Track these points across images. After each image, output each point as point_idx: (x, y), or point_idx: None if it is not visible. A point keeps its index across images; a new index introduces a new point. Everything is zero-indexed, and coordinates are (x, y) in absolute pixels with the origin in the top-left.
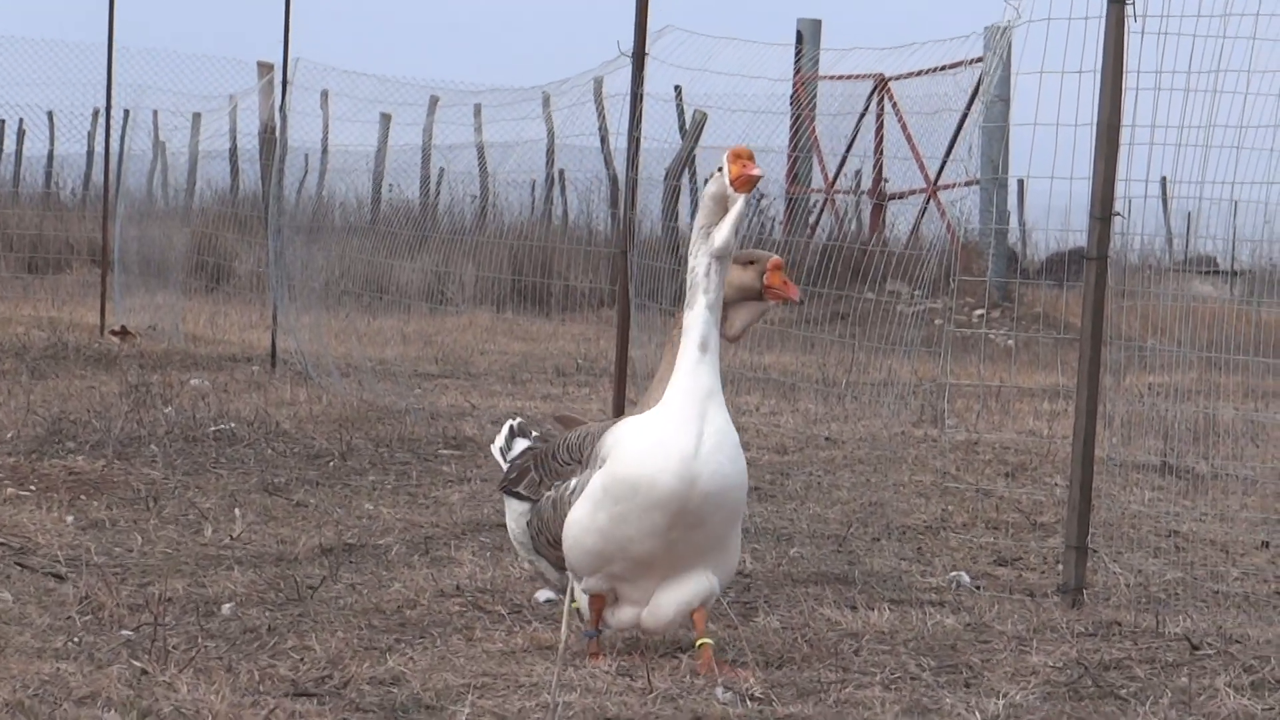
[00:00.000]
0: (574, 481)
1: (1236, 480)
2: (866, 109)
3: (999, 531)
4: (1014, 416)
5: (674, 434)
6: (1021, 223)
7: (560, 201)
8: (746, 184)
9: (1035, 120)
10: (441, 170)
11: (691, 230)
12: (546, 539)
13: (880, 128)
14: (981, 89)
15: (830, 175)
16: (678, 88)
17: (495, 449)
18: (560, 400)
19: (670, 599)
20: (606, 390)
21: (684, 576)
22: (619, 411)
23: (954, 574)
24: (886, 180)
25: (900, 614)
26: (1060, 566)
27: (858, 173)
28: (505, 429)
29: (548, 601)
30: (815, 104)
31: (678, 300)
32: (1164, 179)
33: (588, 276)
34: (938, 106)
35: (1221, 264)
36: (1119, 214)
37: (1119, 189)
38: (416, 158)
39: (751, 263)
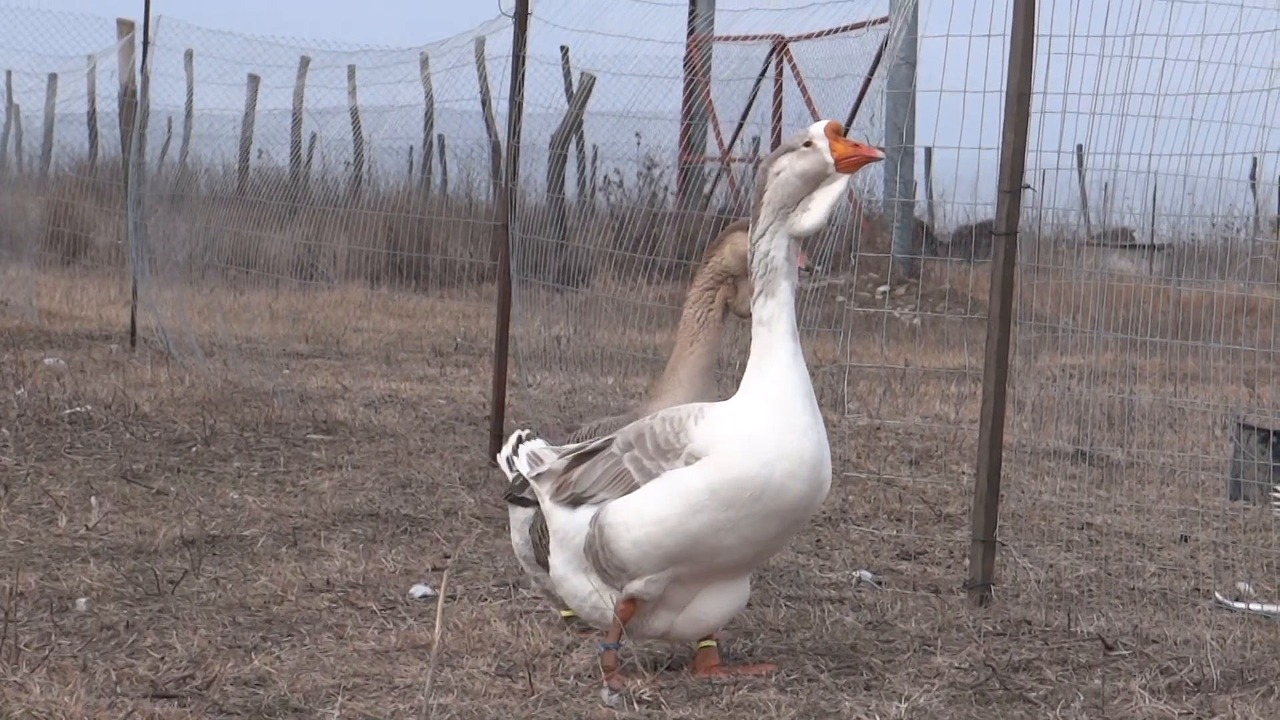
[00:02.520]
0: (640, 479)
1: (1154, 469)
2: (764, 72)
3: (902, 524)
4: (919, 400)
5: (799, 438)
6: (929, 194)
7: (439, 170)
8: (857, 165)
9: (942, 86)
10: (313, 136)
11: (757, 208)
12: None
13: (779, 92)
14: (886, 52)
15: (726, 142)
16: (564, 49)
17: (523, 454)
18: (438, 382)
19: (715, 606)
20: (487, 371)
21: (736, 582)
22: (500, 393)
23: (855, 570)
24: None
25: (797, 611)
26: (967, 561)
27: (755, 140)
28: (514, 438)
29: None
30: (710, 67)
31: (562, 276)
32: (1079, 148)
33: (468, 250)
34: (840, 70)
35: (1140, 238)
36: (1029, 187)
37: (1030, 160)
38: (286, 122)
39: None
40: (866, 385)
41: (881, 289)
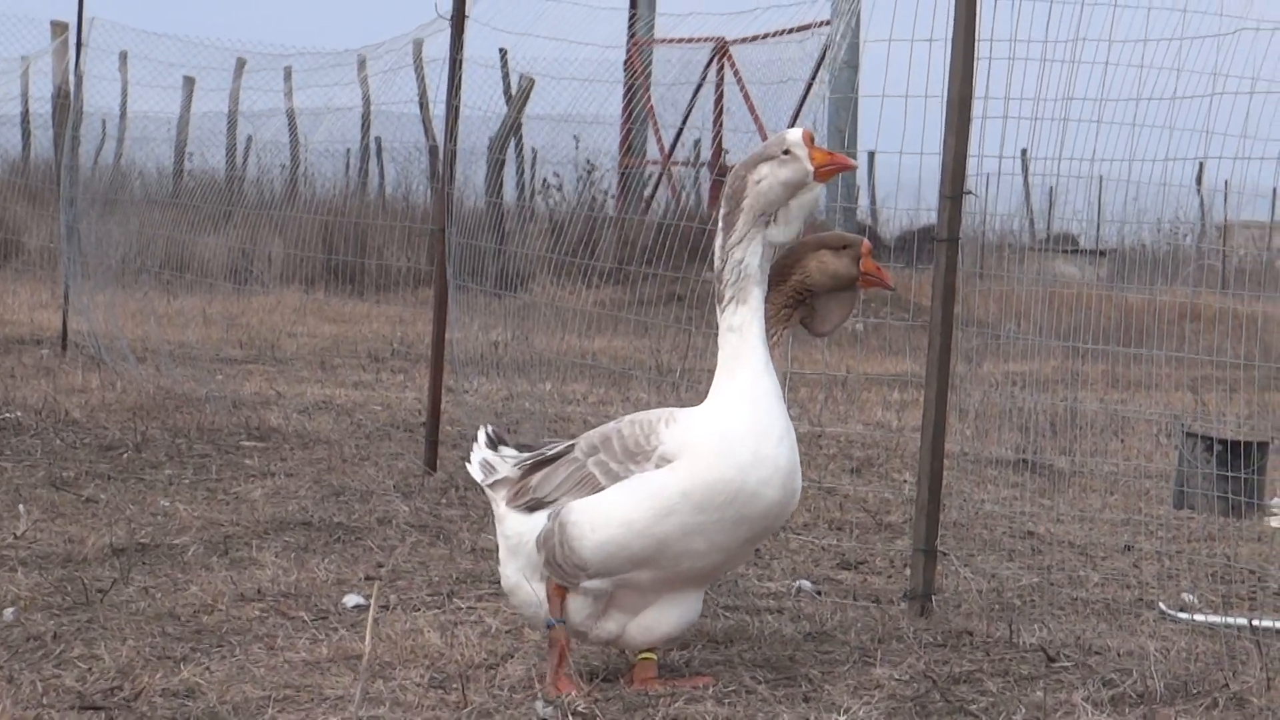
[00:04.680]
0: (606, 482)
1: (1098, 477)
2: (705, 76)
3: (843, 532)
4: (861, 407)
5: (775, 444)
6: (872, 199)
7: (377, 173)
8: (832, 173)
9: (884, 91)
10: (249, 138)
11: (733, 215)
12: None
13: (720, 97)
14: (828, 57)
15: (667, 147)
16: (503, 51)
17: (475, 460)
18: (373, 388)
19: (669, 616)
20: (423, 377)
21: (692, 594)
22: (436, 399)
23: (794, 579)
24: (727, 152)
25: (735, 622)
26: (908, 571)
27: (696, 144)
28: (482, 433)
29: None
30: (650, 71)
31: (500, 281)
32: (1023, 152)
33: (405, 254)
34: (782, 75)
35: (1084, 243)
36: (971, 192)
37: (972, 165)
38: (221, 125)
39: (845, 247)
40: (808, 392)
41: None
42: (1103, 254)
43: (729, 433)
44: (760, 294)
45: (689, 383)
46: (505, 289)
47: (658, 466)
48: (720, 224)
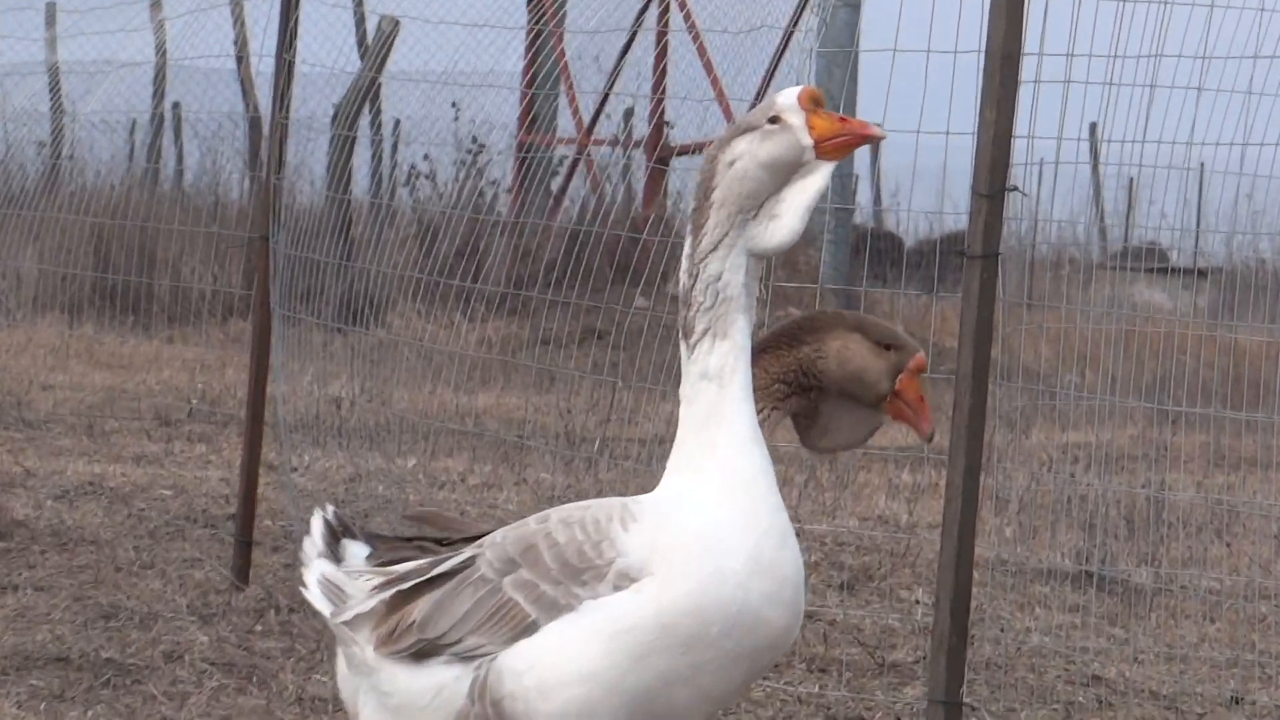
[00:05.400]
0: (540, 614)
1: (1194, 598)
2: (641, 20)
3: (828, 676)
4: (856, 494)
5: (777, 545)
6: (875, 196)
7: (173, 154)
8: (845, 148)
9: (896, 44)
10: None
11: (703, 212)
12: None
13: (663, 51)
14: None
15: (586, 119)
16: None
17: (313, 578)
18: (162, 464)
19: None
20: (233, 448)
21: None
22: (250, 480)
23: None
24: (671, 127)
25: None
26: None
27: (628, 116)
28: (318, 524)
29: None
30: (565, 13)
31: (345, 310)
32: (1093, 129)
33: (210, 271)
34: (751, 19)
35: (1177, 259)
36: (1016, 188)
37: (1018, 150)
38: None
39: (890, 347)
40: (783, 470)
41: None
42: (1203, 275)
43: (715, 531)
44: (746, 326)
45: (611, 457)
46: (352, 322)
47: (617, 588)
48: (689, 226)
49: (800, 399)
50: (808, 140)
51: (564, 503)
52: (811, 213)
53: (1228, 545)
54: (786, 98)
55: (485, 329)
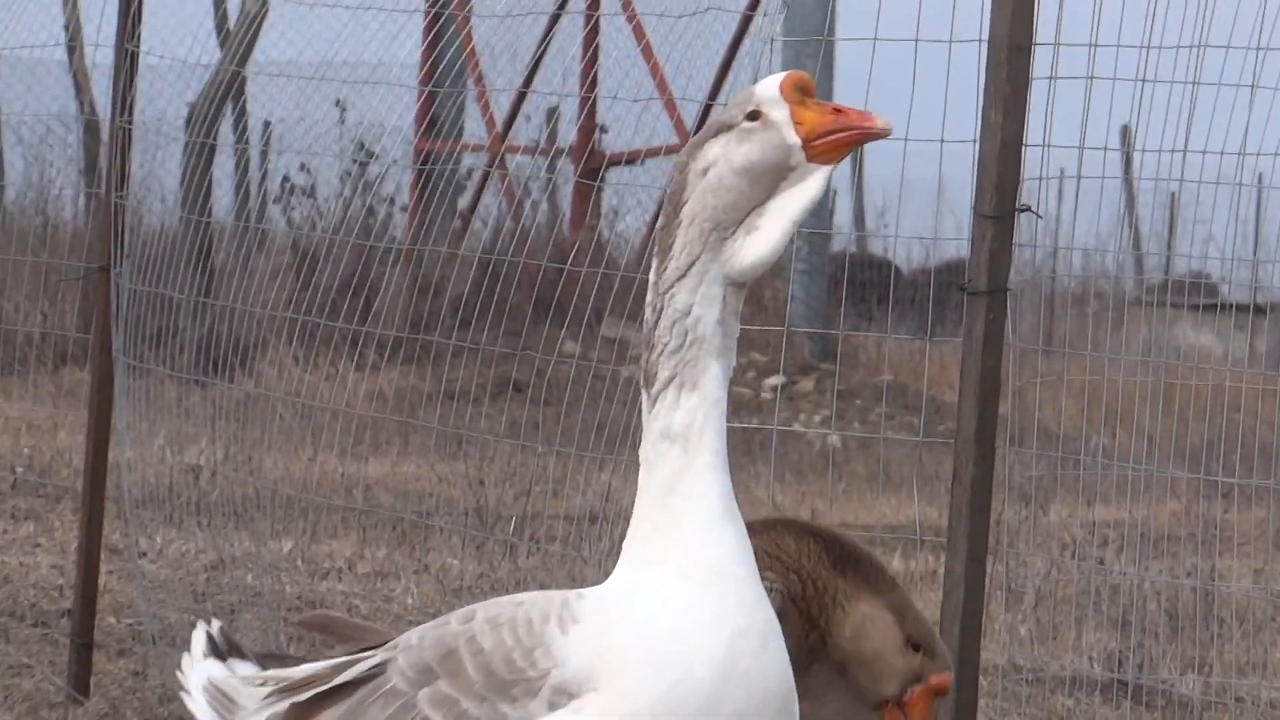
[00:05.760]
0: None
1: (1252, 710)
2: (565, 1)
3: None
4: None
5: (756, 649)
6: (857, 217)
7: None
8: (843, 147)
9: (876, 33)
10: None
11: (670, 231)
12: None
13: (594, 37)
14: None
15: (500, 120)
16: None
17: (196, 683)
18: None
19: None
20: (68, 527)
21: None
22: (90, 568)
23: None
24: (604, 131)
25: None
26: None
27: (551, 116)
28: (199, 639)
29: None
30: None
31: (204, 358)
32: (1125, 133)
33: (39, 311)
34: (702, 1)
35: (1228, 293)
36: (1029, 208)
37: (1031, 160)
38: None
39: (920, 650)
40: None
41: (771, 382)
42: (1261, 312)
43: (678, 634)
44: (721, 374)
45: (533, 539)
46: (214, 373)
47: (553, 706)
48: (655, 249)
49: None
50: (794, 139)
51: (474, 595)
52: (799, 224)
53: None
54: (767, 88)
55: (377, 381)
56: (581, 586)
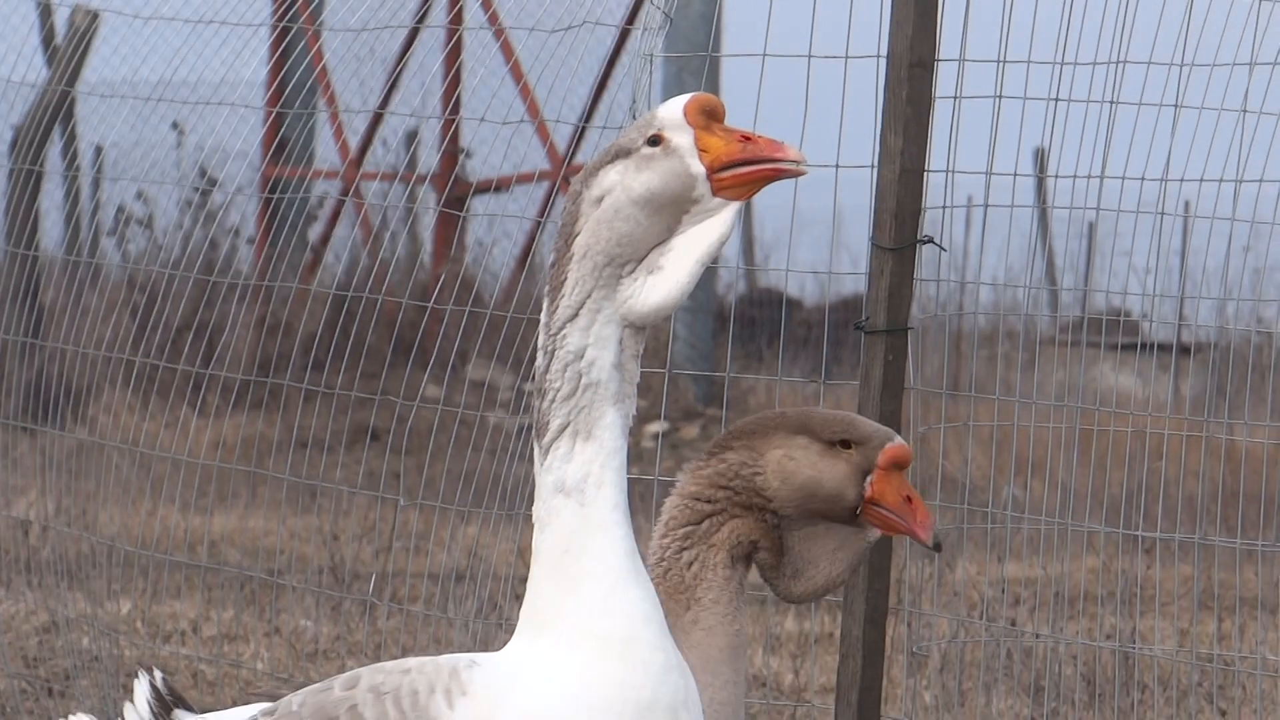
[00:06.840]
0: None
1: None
2: (425, 11)
3: None
4: None
5: (664, 717)
6: (745, 252)
7: None
8: (753, 182)
9: (765, 49)
10: None
11: (562, 267)
12: None
13: (457, 53)
14: None
15: (352, 144)
16: None
17: None
18: None
19: None
20: None
21: None
22: None
23: None
24: (468, 155)
25: None
26: None
27: (411, 140)
28: (143, 691)
29: None
30: (322, 3)
31: (33, 404)
32: (1038, 154)
33: None
34: (574, 12)
35: (1151, 331)
36: (931, 239)
37: (934, 187)
38: None
39: (848, 444)
40: None
41: (654, 429)
42: (1188, 352)
43: (574, 711)
44: (619, 422)
45: (394, 600)
46: (43, 419)
47: None
48: (546, 287)
49: (741, 524)
50: (699, 168)
51: (330, 660)
52: (706, 263)
53: (1222, 715)
54: (670, 111)
55: (222, 428)
56: (446, 651)
